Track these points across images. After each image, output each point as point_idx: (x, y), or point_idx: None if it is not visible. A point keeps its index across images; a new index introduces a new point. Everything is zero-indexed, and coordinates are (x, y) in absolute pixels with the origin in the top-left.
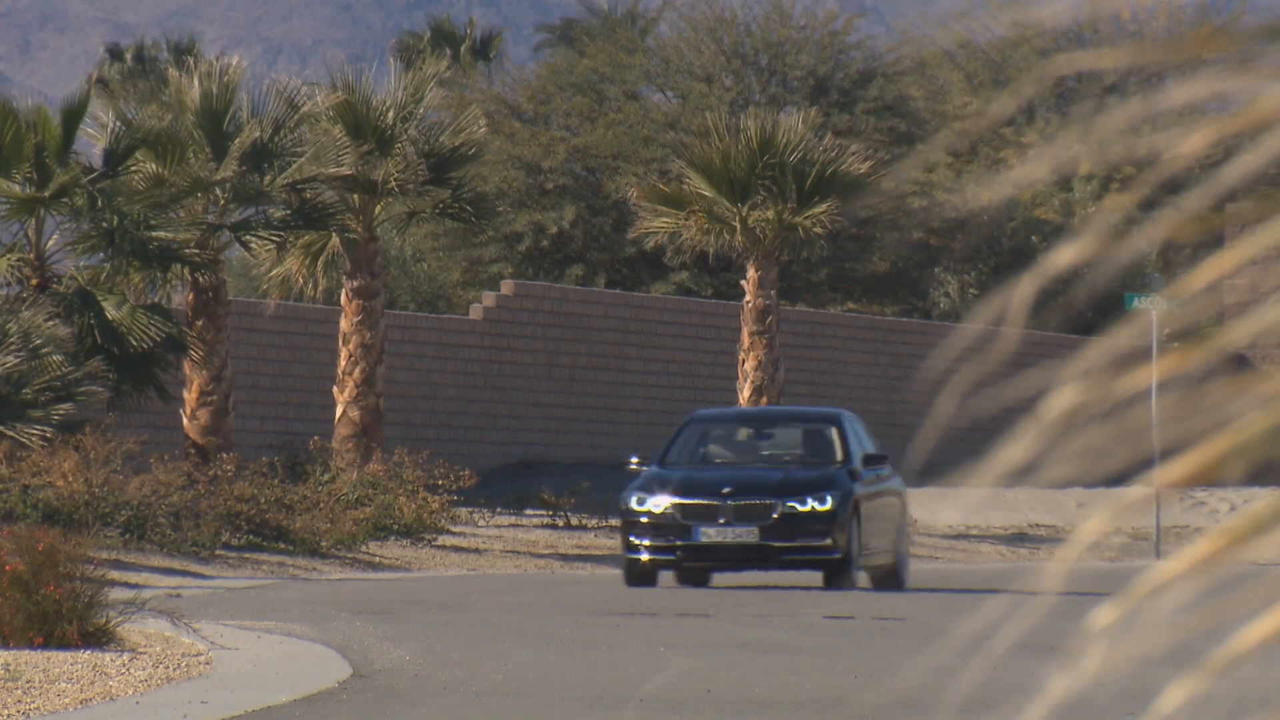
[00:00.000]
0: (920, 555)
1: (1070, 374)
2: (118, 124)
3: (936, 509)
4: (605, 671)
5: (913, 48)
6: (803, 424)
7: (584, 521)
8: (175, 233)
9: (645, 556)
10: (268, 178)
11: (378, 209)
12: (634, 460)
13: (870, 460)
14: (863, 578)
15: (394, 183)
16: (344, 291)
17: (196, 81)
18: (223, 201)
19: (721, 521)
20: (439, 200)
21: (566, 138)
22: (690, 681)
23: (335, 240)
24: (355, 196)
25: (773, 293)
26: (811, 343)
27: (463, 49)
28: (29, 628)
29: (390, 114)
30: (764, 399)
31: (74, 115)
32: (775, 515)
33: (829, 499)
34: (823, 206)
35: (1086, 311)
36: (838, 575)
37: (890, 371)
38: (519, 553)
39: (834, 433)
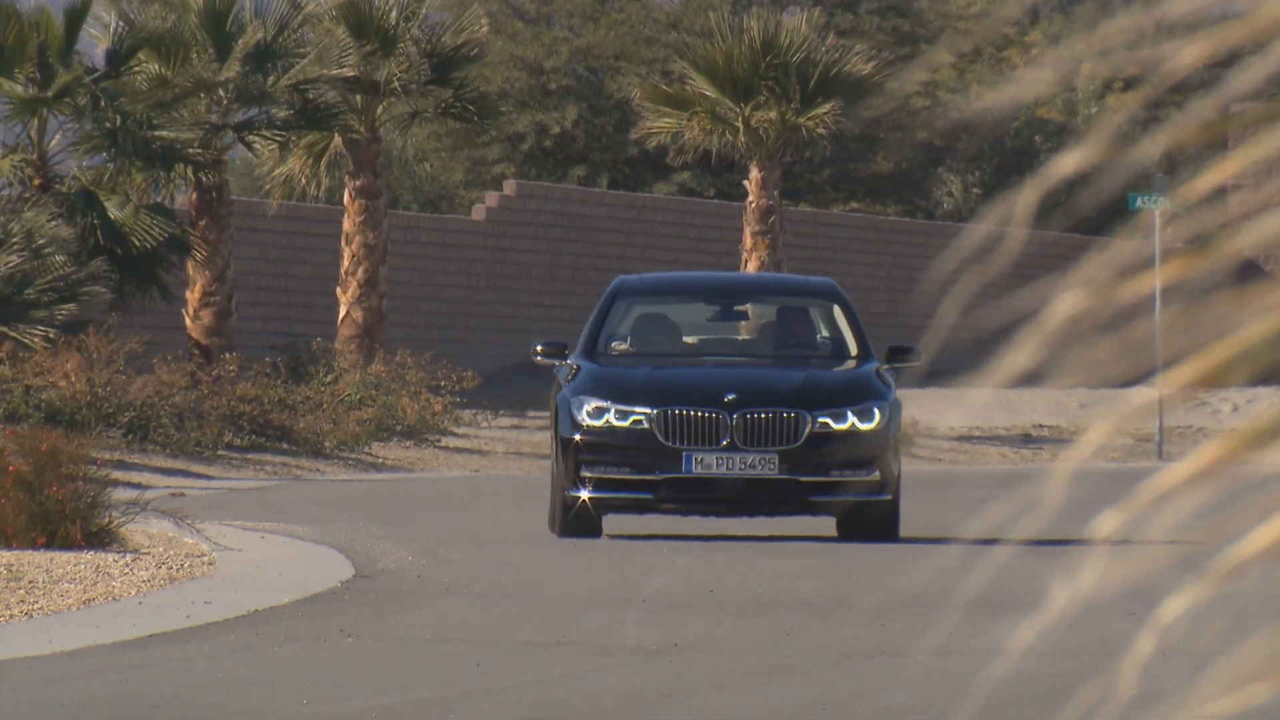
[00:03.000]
0: (923, 458)
1: (1074, 279)
2: (120, 24)
3: (940, 411)
4: (608, 573)
5: None
6: (789, 298)
7: None
8: (178, 133)
9: (595, 495)
10: (271, 78)
11: (380, 109)
12: (539, 349)
13: (897, 355)
14: (827, 521)
15: (396, 83)
16: (347, 191)
17: None
18: (226, 102)
19: (725, 444)
20: (441, 100)
21: (569, 38)
22: (692, 582)
23: (338, 140)
24: (358, 97)
25: (776, 193)
26: (815, 243)
27: None
28: (32, 528)
29: (393, 14)
30: None
31: (77, 15)
32: (803, 436)
33: (875, 413)
34: (826, 107)
35: (1090, 212)
36: (883, 525)
37: (894, 272)
38: (522, 454)
39: (838, 313)
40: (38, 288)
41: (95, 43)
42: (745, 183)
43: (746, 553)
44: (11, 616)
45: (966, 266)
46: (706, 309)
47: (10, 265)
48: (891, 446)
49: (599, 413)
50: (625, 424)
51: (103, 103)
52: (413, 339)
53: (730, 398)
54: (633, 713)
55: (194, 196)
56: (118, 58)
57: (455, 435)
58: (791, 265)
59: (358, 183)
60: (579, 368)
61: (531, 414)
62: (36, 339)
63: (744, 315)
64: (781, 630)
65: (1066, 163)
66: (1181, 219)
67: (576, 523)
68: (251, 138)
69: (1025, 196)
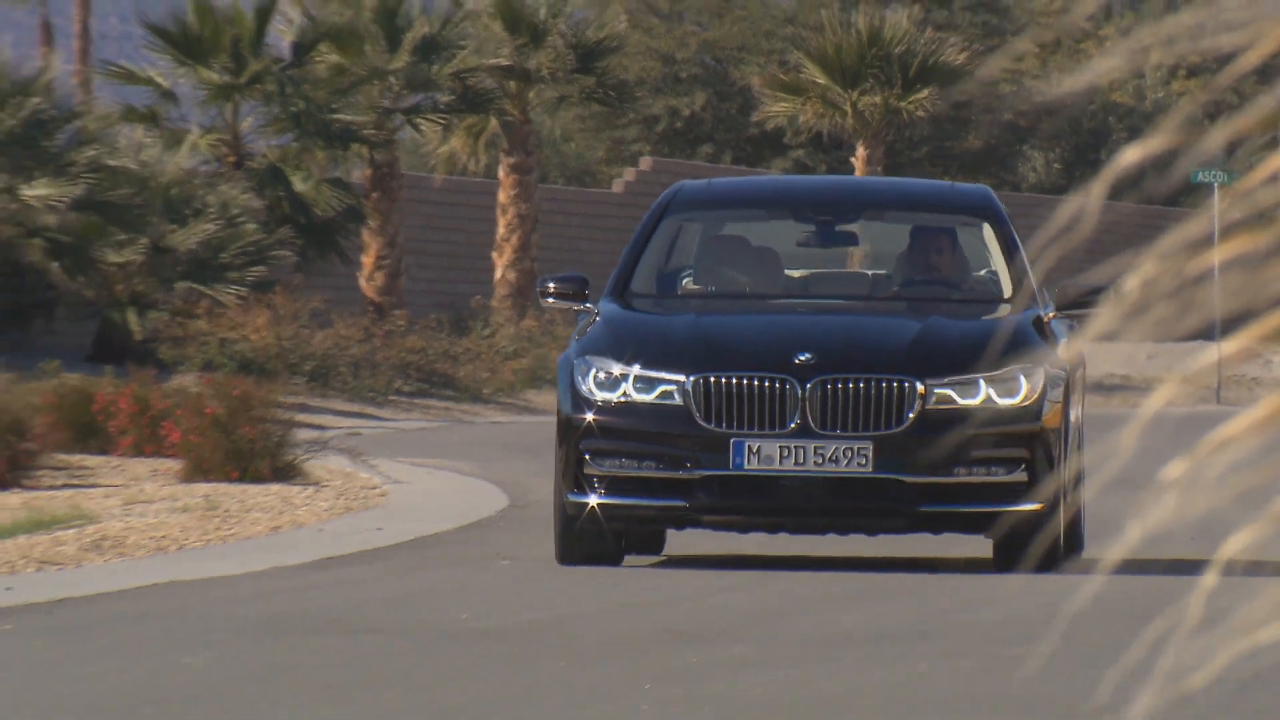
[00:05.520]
0: None
1: (1147, 254)
2: (304, 19)
3: None
4: None
5: None
6: (923, 214)
7: None
8: (354, 116)
9: (607, 501)
10: (435, 67)
11: (531, 95)
12: (551, 287)
13: (1072, 297)
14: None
15: (546, 72)
16: (502, 167)
17: None
18: (396, 88)
19: (794, 427)
20: (585, 87)
21: (697, 32)
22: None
23: (494, 122)
24: (512, 84)
25: (879, 168)
26: None
27: None
28: (227, 464)
29: (542, 10)
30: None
31: (265, 11)
32: (911, 416)
33: (1022, 382)
34: (924, 92)
35: (1157, 185)
36: (1038, 550)
37: None
38: None
39: (990, 236)
40: (231, 252)
41: (281, 36)
42: (853, 159)
43: None
44: (209, 541)
45: (1051, 241)
46: (797, 229)
47: (208, 232)
48: (1049, 432)
49: (613, 381)
50: (650, 397)
51: (288, 89)
52: None
53: (803, 359)
54: (751, 628)
55: (368, 172)
56: (302, 49)
57: None
58: None
59: (511, 160)
60: (598, 315)
61: None
62: (230, 297)
63: (852, 238)
64: (884, 552)
65: (1133, 153)
66: (1240, 199)
67: (582, 541)
68: (419, 120)
69: (1098, 186)
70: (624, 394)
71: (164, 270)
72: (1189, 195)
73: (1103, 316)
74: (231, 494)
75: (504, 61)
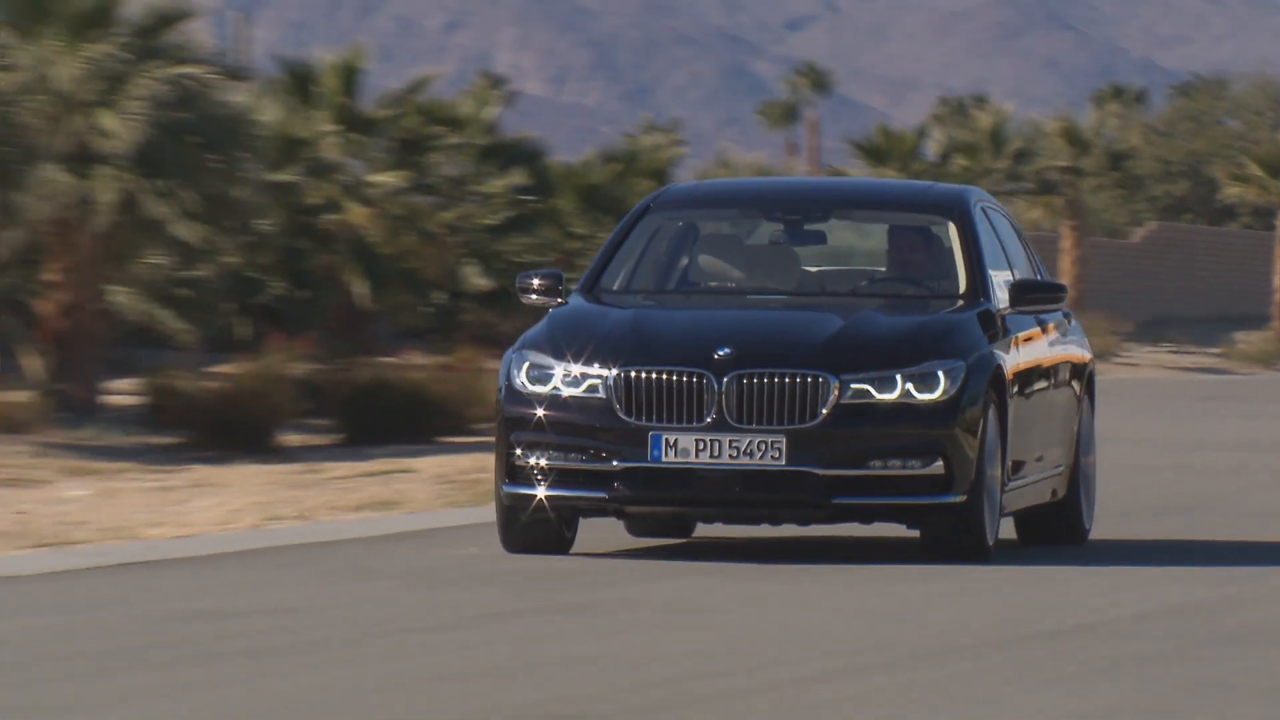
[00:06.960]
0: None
1: None
2: (945, 137)
3: None
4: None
5: None
6: (899, 213)
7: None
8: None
9: (542, 492)
10: (1024, 166)
11: (1082, 183)
12: (534, 283)
13: (1024, 294)
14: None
15: (1090, 169)
16: (1063, 226)
17: (985, 116)
18: (1000, 179)
19: (710, 421)
20: (1114, 179)
21: (1183, 144)
22: None
23: (1060, 200)
24: (1069, 176)
25: None
26: None
27: (1127, 97)
28: None
29: (1088, 133)
30: None
31: (921, 132)
32: (824, 411)
33: (940, 378)
34: None
35: None
36: (956, 538)
37: None
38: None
39: (954, 235)
40: None
41: (930, 148)
42: (1276, 222)
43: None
44: None
45: None
46: (772, 227)
47: None
48: (963, 427)
49: (543, 375)
50: (578, 391)
51: (936, 180)
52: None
53: (722, 354)
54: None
55: None
56: (944, 155)
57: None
58: None
59: (1071, 222)
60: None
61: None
62: None
63: (821, 237)
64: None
65: None
66: None
67: (527, 531)
68: (1014, 199)
69: None
70: (554, 388)
71: None
72: None
73: None
74: None
75: (1065, 163)
